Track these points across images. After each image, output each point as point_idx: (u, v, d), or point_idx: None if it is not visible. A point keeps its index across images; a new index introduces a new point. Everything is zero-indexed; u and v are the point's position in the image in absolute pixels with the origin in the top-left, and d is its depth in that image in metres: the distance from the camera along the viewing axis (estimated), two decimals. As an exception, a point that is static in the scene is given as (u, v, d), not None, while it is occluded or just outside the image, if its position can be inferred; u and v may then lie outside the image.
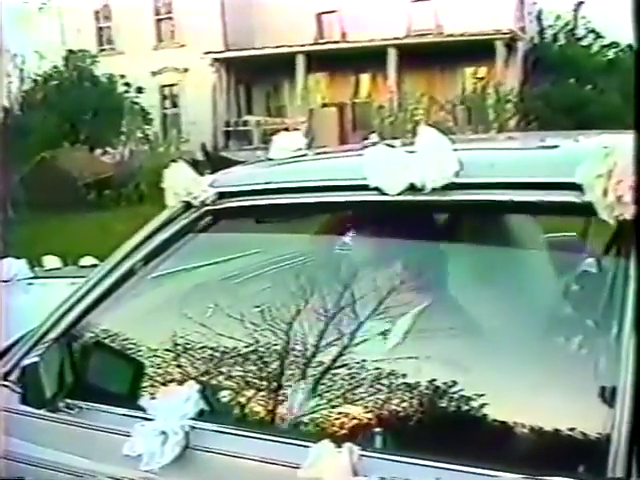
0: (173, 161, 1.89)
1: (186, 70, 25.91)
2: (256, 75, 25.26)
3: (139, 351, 1.89)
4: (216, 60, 25.35)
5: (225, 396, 1.76)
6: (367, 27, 23.14)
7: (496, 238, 1.80)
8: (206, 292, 2.06)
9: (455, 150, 1.54)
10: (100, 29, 27.53)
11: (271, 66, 23.75)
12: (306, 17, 25.11)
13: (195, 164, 1.96)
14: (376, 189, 1.57)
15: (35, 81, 22.25)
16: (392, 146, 1.67)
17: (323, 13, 25.70)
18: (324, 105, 24.99)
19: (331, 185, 1.67)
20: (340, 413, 1.62)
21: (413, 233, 1.77)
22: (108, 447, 1.74)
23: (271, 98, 26.76)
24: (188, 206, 1.82)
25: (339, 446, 1.48)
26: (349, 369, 1.64)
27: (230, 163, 2.63)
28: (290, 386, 1.69)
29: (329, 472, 1.45)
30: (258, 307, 1.80)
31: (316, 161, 2.02)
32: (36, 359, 1.77)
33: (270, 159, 1.92)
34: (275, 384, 1.70)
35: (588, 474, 1.34)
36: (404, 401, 1.57)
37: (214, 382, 1.78)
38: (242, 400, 1.73)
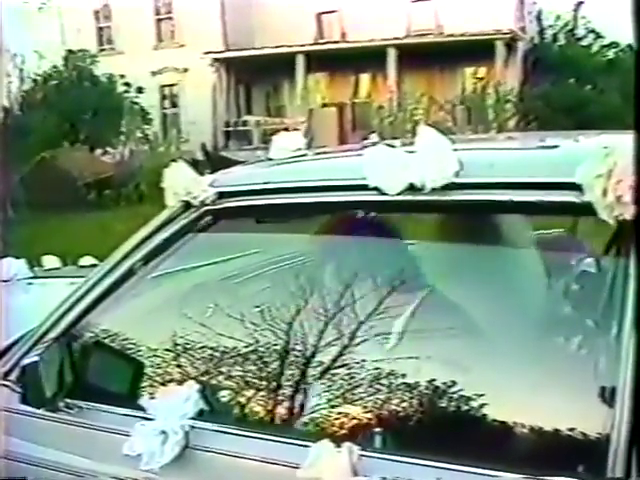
0: (173, 161, 1.89)
1: (186, 70, 25.92)
2: (256, 75, 25.27)
3: (139, 351, 1.89)
4: (216, 60, 25.36)
5: (225, 396, 1.76)
6: (367, 27, 23.14)
7: (485, 237, 1.80)
8: (206, 292, 2.06)
9: (455, 150, 1.54)
10: (100, 29, 27.55)
11: (271, 66, 23.75)
12: (306, 17, 25.11)
13: (195, 164, 1.96)
14: (376, 189, 1.57)
15: (35, 81, 22.25)
16: (392, 146, 1.67)
17: (323, 13, 25.70)
18: (324, 105, 24.99)
19: (331, 185, 1.67)
20: (340, 413, 1.62)
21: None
22: (108, 447, 1.74)
23: (271, 98, 26.77)
24: (188, 206, 1.82)
25: (339, 446, 1.48)
26: (349, 369, 1.64)
27: (230, 163, 2.63)
28: (290, 386, 1.69)
29: (329, 472, 1.45)
30: (258, 307, 1.80)
31: (316, 161, 2.02)
32: (36, 359, 1.77)
33: (270, 159, 1.92)
34: (275, 384, 1.70)
35: (588, 474, 1.33)
36: (404, 401, 1.57)
37: (214, 382, 1.78)
38: (242, 400, 1.73)
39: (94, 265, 2.59)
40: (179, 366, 1.82)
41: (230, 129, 25.34)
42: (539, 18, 25.68)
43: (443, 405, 1.55)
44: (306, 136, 2.11)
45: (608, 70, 22.25)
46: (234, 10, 25.39)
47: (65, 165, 17.63)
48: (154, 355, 1.87)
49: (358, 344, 1.67)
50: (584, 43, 25.09)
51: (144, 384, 1.86)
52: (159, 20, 26.98)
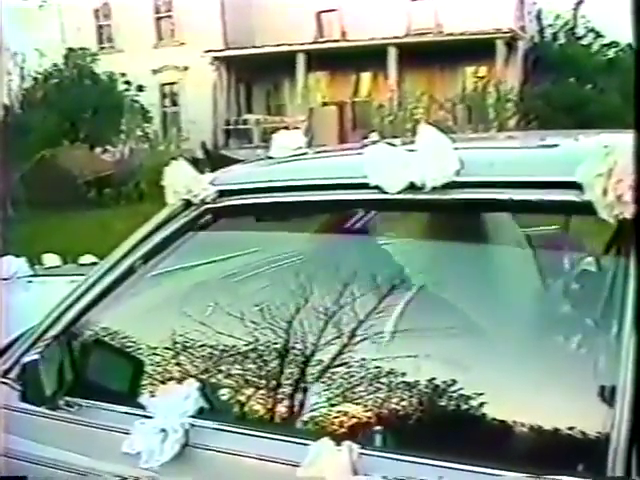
0: (173, 159, 1.89)
1: (186, 68, 25.90)
2: (256, 74, 25.25)
3: (139, 349, 1.89)
4: (216, 59, 25.34)
5: (225, 394, 1.76)
6: (367, 26, 23.12)
7: (476, 235, 1.81)
8: (206, 290, 2.06)
9: (455, 149, 1.54)
10: (100, 27, 27.52)
11: (271, 65, 23.74)
12: (306, 16, 25.09)
13: (195, 162, 1.96)
14: (376, 187, 1.57)
15: (35, 79, 22.24)
16: (392, 145, 1.67)
17: (323, 12, 25.69)
18: (324, 104, 24.98)
19: (331, 183, 1.67)
20: (340, 412, 1.62)
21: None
22: (108, 445, 1.74)
23: (271, 97, 26.76)
24: (188, 204, 1.82)
25: (339, 444, 1.48)
26: (348, 367, 1.64)
27: (230, 161, 2.63)
28: (290, 384, 1.69)
29: (329, 470, 1.46)
30: (258, 306, 1.80)
31: (316, 160, 2.01)
32: (36, 357, 1.77)
33: (270, 157, 1.92)
34: (274, 382, 1.70)
35: (588, 473, 1.34)
36: (403, 400, 1.57)
37: (214, 380, 1.78)
38: (242, 398, 1.73)
39: (94, 263, 2.59)
40: (179, 364, 1.82)
41: (230, 127, 25.33)
42: (539, 17, 25.67)
43: (443, 404, 1.55)
44: (306, 135, 2.11)
45: (608, 69, 22.25)
46: (234, 9, 25.37)
47: (65, 163, 17.63)
48: (154, 353, 1.87)
49: (358, 343, 1.67)
50: (584, 42, 25.08)
51: (144, 382, 1.86)
52: (159, 18, 26.96)
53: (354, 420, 1.60)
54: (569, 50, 24.02)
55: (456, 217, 1.73)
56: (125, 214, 11.16)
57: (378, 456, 1.49)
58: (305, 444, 1.51)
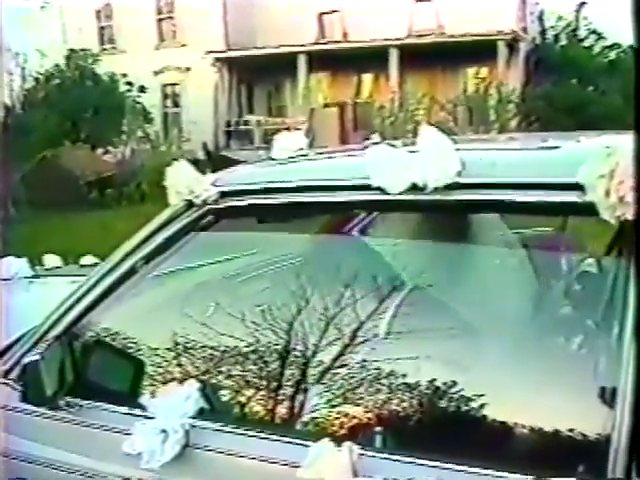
0: (175, 160, 1.89)
1: (188, 69, 25.92)
2: (257, 75, 25.26)
3: (140, 350, 1.89)
4: (218, 60, 25.36)
5: (225, 395, 1.76)
6: (369, 27, 23.12)
7: (469, 236, 1.81)
8: (207, 291, 2.06)
9: (457, 150, 1.54)
10: (102, 28, 27.53)
11: (272, 66, 23.75)
12: (308, 17, 25.10)
13: (196, 163, 1.96)
14: (378, 189, 1.57)
15: (37, 80, 22.24)
16: (394, 146, 1.67)
17: (325, 13, 25.69)
18: (325, 105, 24.98)
19: (333, 185, 1.67)
20: (340, 413, 1.62)
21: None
22: (108, 445, 1.74)
23: (272, 98, 26.76)
24: (190, 205, 1.82)
25: (339, 445, 1.48)
26: (349, 369, 1.64)
27: (231, 163, 2.63)
28: (290, 386, 1.69)
29: (329, 471, 1.46)
30: (259, 306, 1.80)
31: (317, 161, 2.02)
32: (37, 357, 1.77)
33: (272, 159, 1.92)
34: (275, 383, 1.70)
35: (588, 475, 1.33)
36: (404, 401, 1.57)
37: (214, 381, 1.78)
38: (242, 399, 1.73)
39: (95, 264, 2.59)
40: (180, 365, 1.82)
41: (231, 129, 25.34)
42: (541, 18, 25.66)
43: (443, 405, 1.55)
44: (308, 136, 2.11)
45: (610, 71, 22.24)
46: (236, 10, 25.39)
47: (67, 164, 17.63)
48: (155, 354, 1.87)
49: (358, 344, 1.67)
50: (586, 44, 25.06)
51: (145, 383, 1.86)
52: (161, 19, 26.97)
53: (354, 421, 1.60)
54: (571, 52, 24.01)
55: (445, 218, 1.74)
56: (126, 215, 11.16)
57: (378, 457, 1.49)
58: (305, 445, 1.51)
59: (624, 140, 1.30)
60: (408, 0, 24.32)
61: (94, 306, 1.90)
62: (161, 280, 1.96)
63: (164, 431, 1.65)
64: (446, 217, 1.74)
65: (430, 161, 1.52)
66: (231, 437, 1.63)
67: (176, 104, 27.04)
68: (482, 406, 1.50)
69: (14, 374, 1.93)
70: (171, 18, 26.79)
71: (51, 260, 3.42)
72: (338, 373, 1.65)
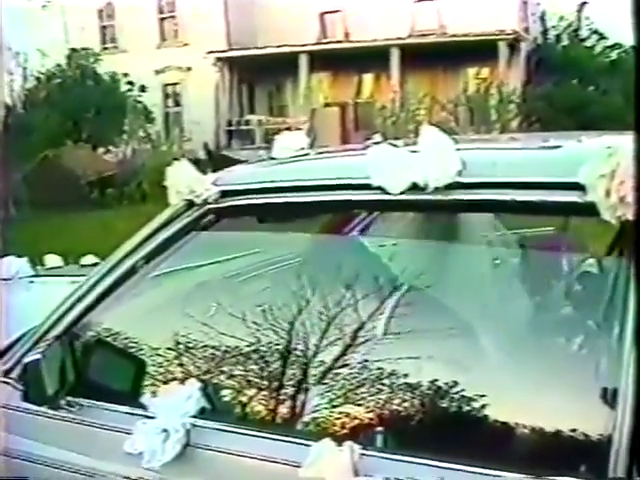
0: (176, 160, 1.89)
1: (189, 69, 25.94)
2: (259, 74, 25.27)
3: (141, 349, 1.89)
4: (219, 59, 25.37)
5: (226, 395, 1.76)
6: (370, 27, 23.14)
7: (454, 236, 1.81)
8: (208, 291, 2.06)
9: (458, 150, 1.54)
10: (103, 27, 27.56)
11: (274, 65, 23.75)
12: (309, 17, 25.11)
13: (197, 163, 1.96)
14: (379, 188, 1.57)
15: (38, 79, 22.26)
16: (395, 145, 1.67)
17: (326, 13, 25.70)
18: (326, 105, 24.99)
19: (334, 184, 1.67)
20: (341, 412, 1.62)
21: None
22: (109, 445, 1.74)
23: (274, 97, 26.77)
24: (190, 204, 1.82)
25: (340, 445, 1.48)
26: (350, 369, 1.64)
27: (232, 162, 2.63)
28: (292, 385, 1.69)
29: (330, 471, 1.46)
30: (260, 306, 1.80)
31: (318, 160, 2.02)
32: (38, 357, 1.77)
33: (273, 158, 1.92)
34: (276, 383, 1.70)
35: (589, 475, 1.33)
36: (405, 401, 1.57)
37: (216, 381, 1.78)
38: (243, 399, 1.73)
39: (96, 264, 2.59)
40: (181, 365, 1.82)
41: (233, 128, 25.36)
42: (542, 19, 25.66)
43: (445, 405, 1.54)
44: (309, 136, 2.11)
45: (611, 71, 22.23)
46: (237, 9, 25.40)
47: (68, 164, 17.65)
48: (156, 354, 1.87)
49: (360, 344, 1.67)
50: (587, 44, 25.05)
51: (146, 382, 1.86)
52: (162, 19, 27.00)
53: (356, 421, 1.60)
54: (572, 52, 24.00)
55: (445, 218, 1.74)
56: (127, 214, 11.17)
57: (379, 457, 1.48)
58: (306, 445, 1.51)
59: (625, 140, 1.30)
60: (409, 0, 24.32)
61: (95, 306, 1.90)
62: (162, 280, 1.96)
63: (165, 430, 1.65)
64: (446, 217, 1.74)
65: (431, 161, 1.52)
66: (232, 437, 1.63)
67: (177, 104, 27.06)
68: (483, 406, 1.50)
69: (15, 373, 1.93)
70: (173, 18, 26.81)
71: (52, 260, 3.42)
72: (339, 373, 1.65)
